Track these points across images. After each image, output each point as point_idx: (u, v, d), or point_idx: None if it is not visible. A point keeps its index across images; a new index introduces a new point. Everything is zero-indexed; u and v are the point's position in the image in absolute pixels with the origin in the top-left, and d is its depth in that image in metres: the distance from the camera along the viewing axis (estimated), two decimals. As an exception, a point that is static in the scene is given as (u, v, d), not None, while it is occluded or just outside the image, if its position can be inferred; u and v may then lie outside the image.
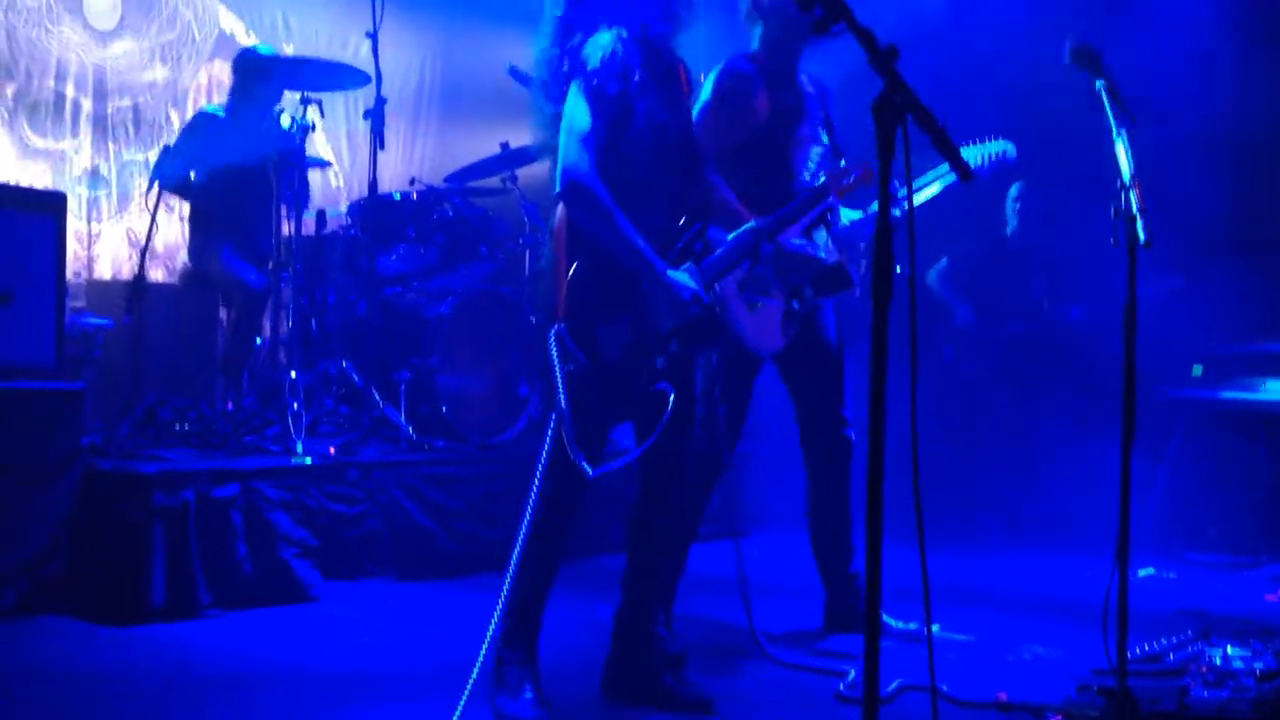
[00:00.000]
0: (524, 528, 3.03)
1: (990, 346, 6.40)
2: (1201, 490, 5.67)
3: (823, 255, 3.80)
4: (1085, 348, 6.17)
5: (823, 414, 3.99)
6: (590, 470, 2.95)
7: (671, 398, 3.01)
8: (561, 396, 2.93)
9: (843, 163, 3.83)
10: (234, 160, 5.47)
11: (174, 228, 6.70)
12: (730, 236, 3.26)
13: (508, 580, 3.06)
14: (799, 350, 3.84)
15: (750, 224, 3.26)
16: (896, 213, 3.91)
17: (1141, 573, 5.17)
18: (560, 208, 3.07)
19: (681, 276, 3.04)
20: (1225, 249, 5.93)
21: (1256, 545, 5.49)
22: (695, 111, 3.77)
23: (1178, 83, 5.79)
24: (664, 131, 3.08)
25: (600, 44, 2.98)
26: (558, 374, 2.94)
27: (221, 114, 5.65)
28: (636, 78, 3.01)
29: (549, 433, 2.99)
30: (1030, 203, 6.54)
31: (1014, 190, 6.65)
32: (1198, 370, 5.82)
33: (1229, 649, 3.42)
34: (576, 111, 2.96)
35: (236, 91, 5.67)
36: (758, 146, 3.78)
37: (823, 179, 3.72)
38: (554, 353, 2.95)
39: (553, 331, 2.96)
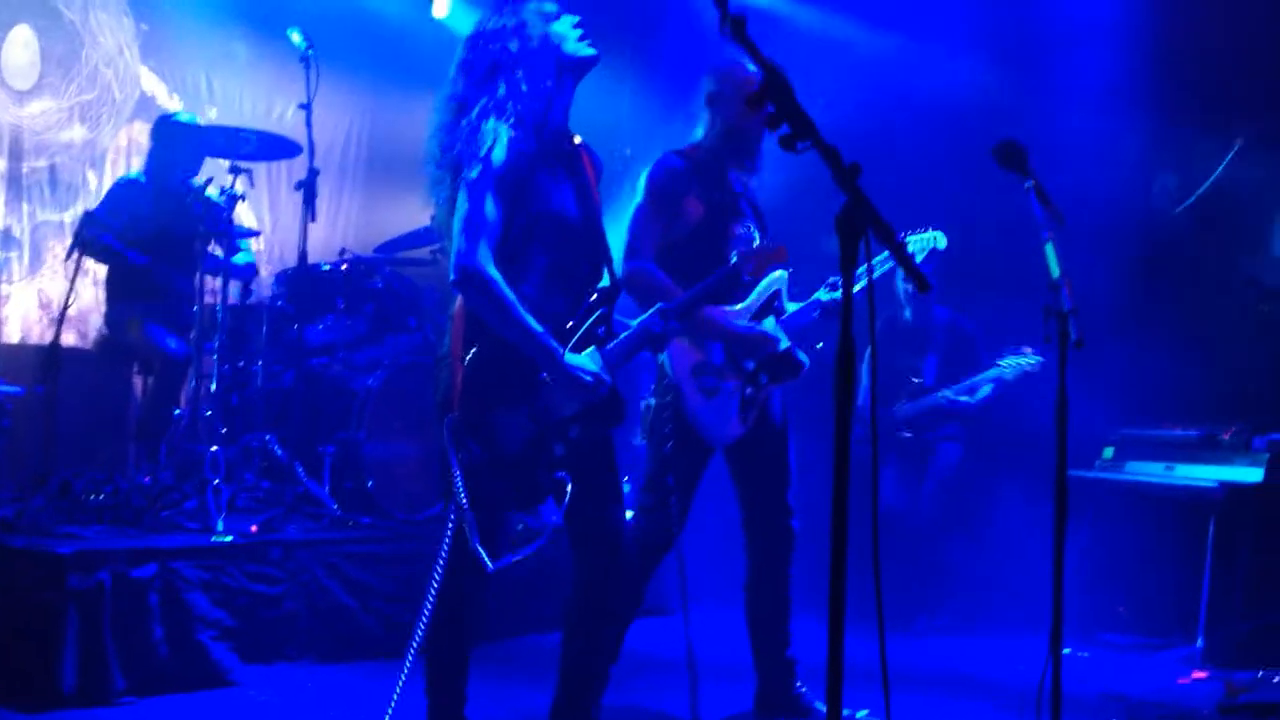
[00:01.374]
0: (424, 625, 3.00)
1: (882, 425, 6.37)
2: (1112, 571, 5.79)
3: (774, 341, 3.85)
4: (976, 426, 6.24)
5: (769, 502, 3.96)
6: (490, 564, 2.90)
7: (569, 487, 2.95)
8: (459, 488, 2.89)
9: (756, 243, 3.89)
10: (154, 228, 5.38)
11: (88, 291, 6.52)
12: (635, 321, 3.24)
13: (402, 677, 3.02)
14: (748, 437, 3.85)
15: (657, 306, 3.26)
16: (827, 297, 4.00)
17: (1050, 651, 5.24)
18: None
19: (582, 360, 3.01)
20: (1123, 331, 6.10)
21: (1167, 626, 5.62)
22: (631, 209, 3.82)
23: (1080, 168, 5.97)
24: (564, 216, 3.07)
25: (492, 130, 2.96)
26: (454, 464, 2.90)
27: (142, 179, 5.57)
28: (531, 163, 2.99)
29: (448, 525, 2.94)
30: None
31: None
32: (1108, 453, 5.97)
33: (1153, 738, 3.50)
34: (470, 200, 2.92)
35: (154, 157, 5.60)
36: (693, 243, 3.80)
37: (734, 259, 3.77)
38: (449, 442, 2.91)
39: (448, 420, 2.92)
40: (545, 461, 2.97)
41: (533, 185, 3.01)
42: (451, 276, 2.93)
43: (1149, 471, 5.66)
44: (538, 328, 2.92)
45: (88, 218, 5.11)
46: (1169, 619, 5.64)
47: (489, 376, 2.93)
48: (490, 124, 2.97)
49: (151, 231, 5.35)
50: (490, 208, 2.92)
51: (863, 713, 3.91)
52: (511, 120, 2.98)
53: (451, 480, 2.90)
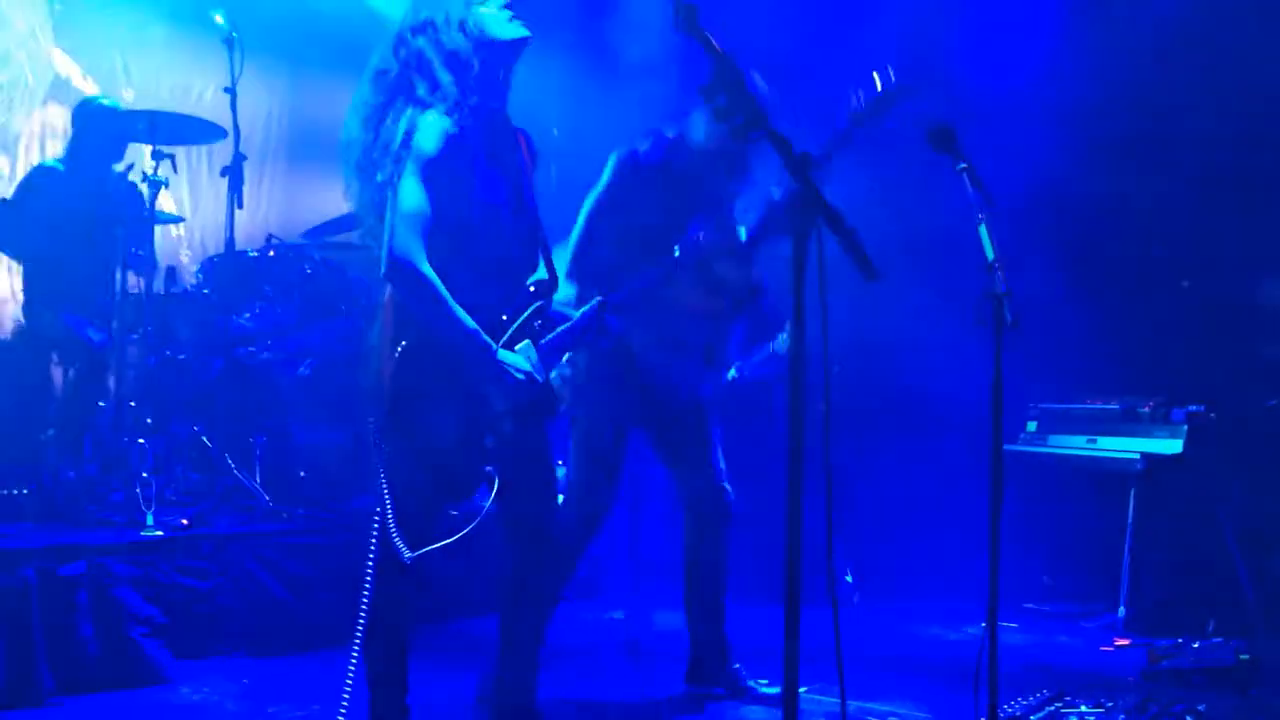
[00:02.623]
0: (363, 619, 2.98)
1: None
2: (1036, 541, 5.92)
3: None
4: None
5: (697, 472, 4.01)
6: (408, 554, 2.87)
7: (497, 481, 2.93)
8: (383, 480, 2.87)
9: (701, 236, 3.90)
10: (74, 216, 5.24)
11: (3, 279, 6.33)
12: (576, 313, 3.24)
13: (351, 667, 3.01)
14: (662, 415, 3.90)
15: (596, 299, 3.26)
16: None
17: (985, 624, 5.35)
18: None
19: (515, 358, 2.97)
20: (1044, 305, 6.18)
21: (1090, 594, 5.79)
22: (594, 192, 3.79)
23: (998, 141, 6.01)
24: (500, 209, 3.03)
25: (431, 122, 2.90)
26: (380, 457, 2.88)
27: (60, 167, 5.41)
28: (464, 151, 2.94)
29: (375, 519, 2.92)
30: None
31: None
32: (1032, 426, 6.11)
33: (1083, 708, 3.59)
34: (404, 191, 2.85)
35: (75, 143, 5.46)
36: (652, 234, 3.78)
37: (676, 252, 3.78)
38: (377, 435, 2.88)
39: (377, 413, 2.89)
40: (475, 454, 2.93)
41: (466, 173, 2.95)
42: (382, 269, 2.88)
43: (1071, 444, 5.81)
44: (470, 323, 2.87)
45: (3, 206, 4.96)
46: (1092, 587, 5.81)
47: (419, 368, 2.89)
48: (428, 118, 2.91)
49: (70, 219, 5.20)
50: (421, 197, 2.86)
51: (802, 689, 3.95)
52: (442, 107, 2.93)
53: (378, 472, 2.88)
